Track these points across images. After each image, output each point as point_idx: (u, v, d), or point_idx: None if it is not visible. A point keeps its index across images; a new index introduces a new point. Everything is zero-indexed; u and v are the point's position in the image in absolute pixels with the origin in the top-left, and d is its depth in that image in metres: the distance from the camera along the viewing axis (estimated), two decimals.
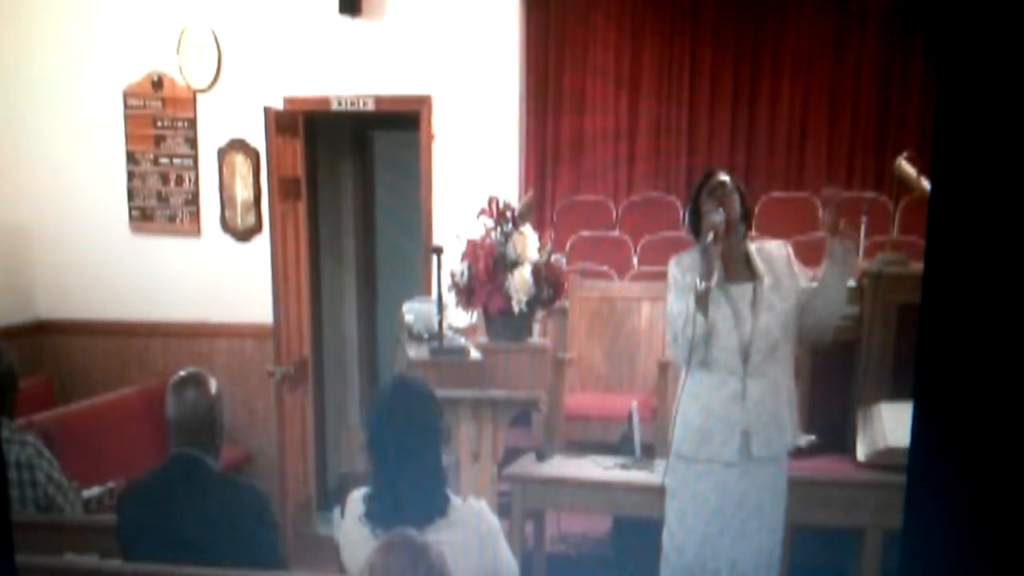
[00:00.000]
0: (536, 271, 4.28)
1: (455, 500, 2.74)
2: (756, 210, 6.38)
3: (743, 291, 3.55)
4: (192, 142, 6.52)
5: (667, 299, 3.64)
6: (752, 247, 3.63)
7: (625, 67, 6.67)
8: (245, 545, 2.94)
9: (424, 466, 2.69)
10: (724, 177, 3.60)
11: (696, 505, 3.59)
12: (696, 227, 3.63)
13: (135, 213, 6.62)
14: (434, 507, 2.68)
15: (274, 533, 3.07)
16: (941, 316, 1.25)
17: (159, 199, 6.58)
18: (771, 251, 3.64)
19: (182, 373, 3.13)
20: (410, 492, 2.67)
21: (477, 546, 2.69)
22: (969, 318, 1.24)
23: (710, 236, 3.44)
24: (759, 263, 3.58)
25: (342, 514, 2.86)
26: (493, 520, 2.80)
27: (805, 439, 4.37)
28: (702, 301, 3.43)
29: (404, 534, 2.18)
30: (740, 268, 3.59)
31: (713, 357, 3.52)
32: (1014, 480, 1.25)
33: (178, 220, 6.59)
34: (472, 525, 2.71)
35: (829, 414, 4.54)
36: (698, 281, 3.43)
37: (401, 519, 2.56)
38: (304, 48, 6.39)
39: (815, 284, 3.56)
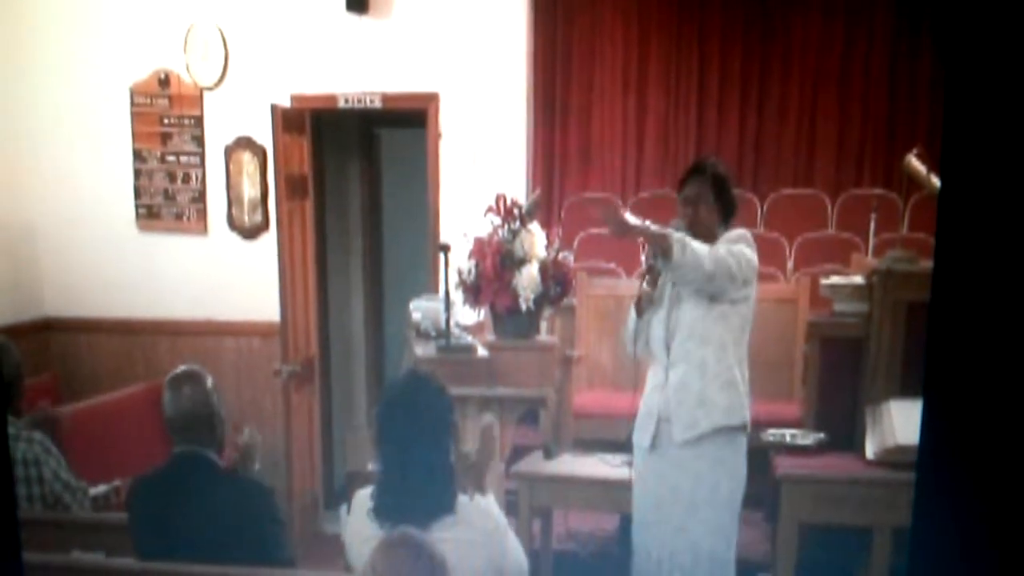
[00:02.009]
0: (544, 269, 4.27)
1: (462, 497, 2.72)
2: (764, 207, 6.39)
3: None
4: (199, 140, 6.52)
5: None
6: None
7: (633, 63, 6.64)
8: (253, 542, 2.94)
9: (432, 462, 2.68)
10: (701, 169, 3.75)
11: (636, 491, 3.81)
12: None
13: (142, 211, 6.62)
14: (441, 504, 2.66)
15: (281, 529, 3.07)
16: (951, 313, 1.24)
17: (166, 197, 6.58)
18: (729, 238, 3.70)
19: (176, 371, 3.14)
20: (417, 488, 2.65)
21: (485, 543, 2.68)
22: (979, 315, 1.23)
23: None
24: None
25: (348, 511, 2.85)
26: (500, 517, 2.79)
27: (814, 437, 4.38)
28: (640, 298, 3.70)
29: (405, 533, 2.18)
30: None
31: (650, 349, 3.76)
32: None
33: (185, 218, 6.59)
34: (479, 522, 2.70)
35: (838, 412, 4.53)
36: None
37: (407, 515, 2.55)
38: (311, 46, 6.38)
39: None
